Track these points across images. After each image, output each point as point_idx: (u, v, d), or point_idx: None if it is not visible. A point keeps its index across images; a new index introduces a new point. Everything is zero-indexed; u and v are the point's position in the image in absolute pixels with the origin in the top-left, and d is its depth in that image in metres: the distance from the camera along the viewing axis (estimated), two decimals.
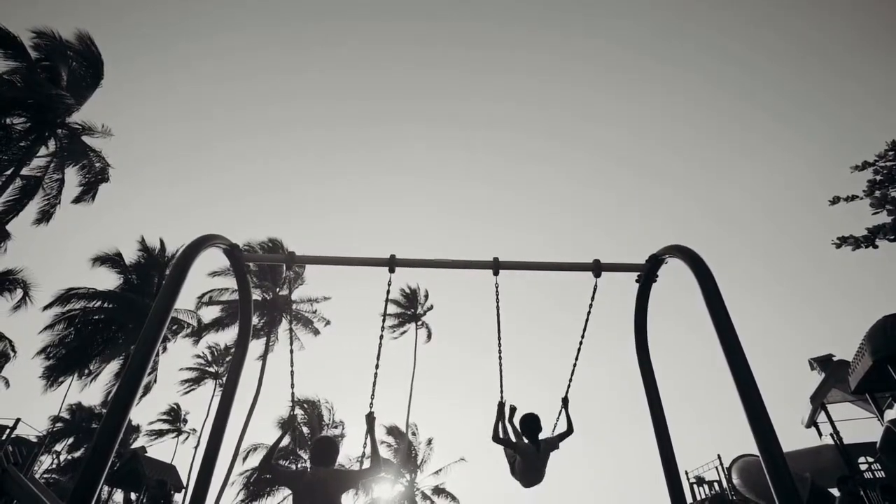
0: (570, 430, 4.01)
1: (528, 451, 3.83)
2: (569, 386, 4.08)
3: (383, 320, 3.74)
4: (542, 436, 3.93)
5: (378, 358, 3.61)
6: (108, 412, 2.44)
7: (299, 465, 3.47)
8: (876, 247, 8.17)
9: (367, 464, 3.46)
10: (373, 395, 3.57)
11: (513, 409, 4.09)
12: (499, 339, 4.00)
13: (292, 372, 3.76)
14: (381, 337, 3.67)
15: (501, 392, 4.03)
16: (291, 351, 3.75)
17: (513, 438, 4.00)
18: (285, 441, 26.84)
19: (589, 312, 3.75)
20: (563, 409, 4.07)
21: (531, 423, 3.94)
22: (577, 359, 3.98)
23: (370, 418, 3.49)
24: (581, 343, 3.93)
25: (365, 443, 3.60)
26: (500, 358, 4.01)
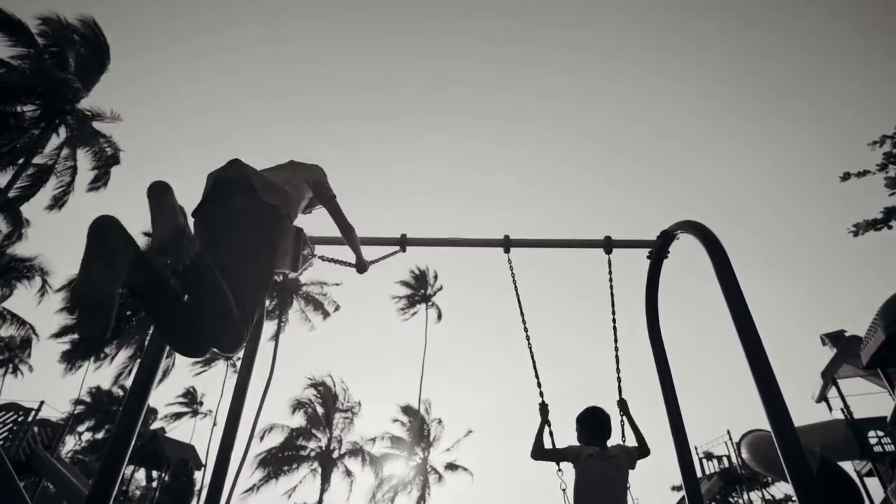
0: (643, 450, 3.02)
1: (591, 454, 2.92)
2: (619, 384, 3.25)
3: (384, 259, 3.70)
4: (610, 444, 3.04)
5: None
6: (129, 394, 2.52)
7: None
8: (891, 227, 8.01)
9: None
10: (375, 261, 3.50)
11: (546, 409, 3.18)
12: (523, 322, 3.43)
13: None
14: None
15: (541, 392, 3.21)
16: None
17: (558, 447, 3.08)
18: (299, 422, 27.42)
19: (612, 290, 3.54)
20: (625, 418, 3.13)
21: (598, 420, 3.07)
22: (616, 346, 3.37)
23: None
24: (615, 327, 3.45)
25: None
26: (529, 348, 3.39)
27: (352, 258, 3.26)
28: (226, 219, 2.10)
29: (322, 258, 3.60)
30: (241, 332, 1.87)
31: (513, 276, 3.57)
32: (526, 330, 3.42)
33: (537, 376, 3.26)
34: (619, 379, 3.28)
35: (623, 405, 3.19)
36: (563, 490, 2.93)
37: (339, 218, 2.83)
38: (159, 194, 1.63)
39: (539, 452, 3.06)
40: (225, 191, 2.15)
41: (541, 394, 3.20)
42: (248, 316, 1.91)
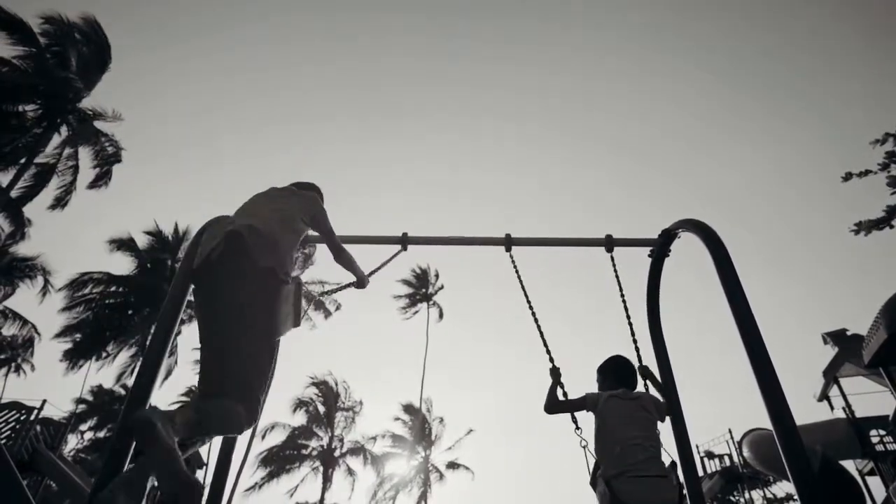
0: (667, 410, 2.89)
1: (613, 395, 2.73)
2: (638, 352, 3.18)
3: (376, 269, 3.59)
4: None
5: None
6: (132, 393, 2.52)
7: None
8: (892, 227, 7.96)
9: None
10: (373, 272, 3.41)
11: (558, 372, 3.08)
12: (529, 305, 3.38)
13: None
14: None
15: (550, 357, 3.16)
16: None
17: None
18: (300, 421, 27.45)
19: (618, 278, 3.51)
20: (650, 382, 3.04)
21: (620, 365, 2.93)
22: (629, 320, 3.29)
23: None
24: (626, 306, 3.41)
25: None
26: (537, 324, 3.33)
27: (347, 275, 3.19)
28: (219, 294, 2.00)
29: (323, 294, 3.66)
30: (254, 414, 1.88)
31: (517, 274, 3.54)
32: (535, 318, 3.35)
33: (545, 344, 3.21)
34: (636, 348, 3.21)
35: (646, 371, 3.08)
36: (584, 447, 2.75)
37: (337, 250, 2.85)
38: (148, 442, 1.48)
39: (553, 405, 2.90)
40: (216, 262, 2.04)
41: (551, 359, 3.12)
42: (255, 404, 1.88)
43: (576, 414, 2.87)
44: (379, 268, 3.53)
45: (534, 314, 3.34)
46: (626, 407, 2.66)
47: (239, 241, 2.04)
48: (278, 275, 2.08)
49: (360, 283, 3.19)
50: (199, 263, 2.11)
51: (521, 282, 3.49)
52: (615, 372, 2.89)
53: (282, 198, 2.53)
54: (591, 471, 2.69)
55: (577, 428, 2.82)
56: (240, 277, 1.98)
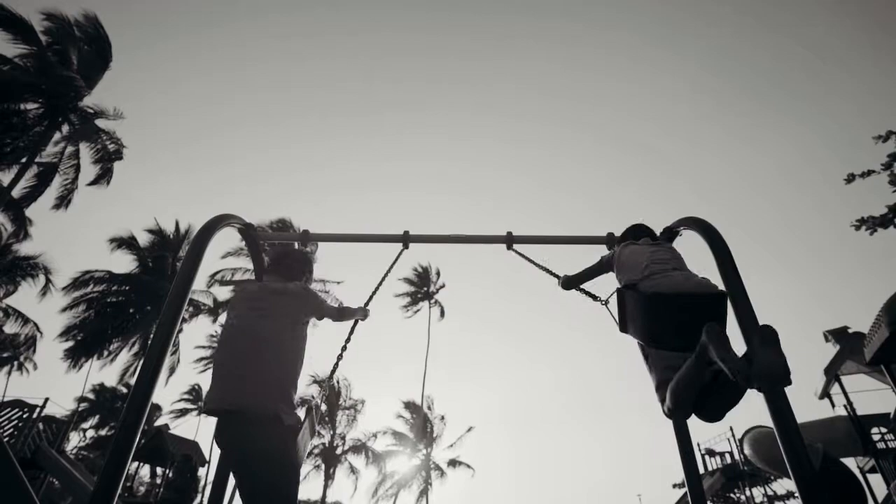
0: None
1: (631, 243, 2.65)
2: None
3: (389, 271, 3.54)
4: None
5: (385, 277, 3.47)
6: (134, 391, 2.52)
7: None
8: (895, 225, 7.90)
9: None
10: (371, 298, 3.31)
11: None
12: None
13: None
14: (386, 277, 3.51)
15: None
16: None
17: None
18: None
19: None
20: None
21: (640, 226, 2.90)
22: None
23: (364, 311, 3.07)
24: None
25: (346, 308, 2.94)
26: None
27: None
28: (234, 454, 2.03)
29: (323, 401, 3.62)
30: None
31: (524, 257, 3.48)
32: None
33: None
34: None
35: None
36: (606, 303, 2.62)
37: (339, 317, 2.75)
38: None
39: (569, 281, 2.79)
40: (222, 425, 2.04)
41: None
42: None
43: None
44: (386, 274, 3.52)
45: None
46: (646, 247, 2.57)
47: (236, 427, 2.00)
48: (284, 423, 2.03)
49: (364, 316, 3.11)
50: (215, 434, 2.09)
51: (533, 264, 3.37)
52: (633, 231, 2.80)
53: (263, 316, 2.22)
54: (617, 321, 2.49)
55: (605, 302, 2.72)
56: (245, 436, 1.97)
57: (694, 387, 1.98)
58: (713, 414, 2.12)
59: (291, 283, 2.43)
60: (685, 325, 2.01)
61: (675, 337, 2.09)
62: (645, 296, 2.21)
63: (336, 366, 3.04)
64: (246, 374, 2.05)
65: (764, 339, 1.76)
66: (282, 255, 2.61)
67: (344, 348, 3.07)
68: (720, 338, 1.79)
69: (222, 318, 27.61)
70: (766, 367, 1.70)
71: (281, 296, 2.29)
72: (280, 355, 2.16)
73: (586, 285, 2.94)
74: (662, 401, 2.14)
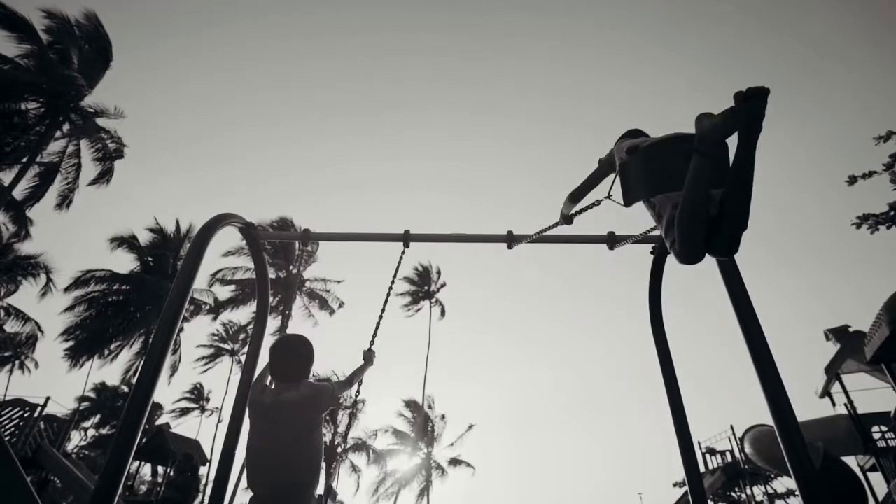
0: None
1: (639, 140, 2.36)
2: None
3: (393, 279, 3.53)
4: None
5: (385, 304, 3.37)
6: (135, 390, 2.53)
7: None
8: None
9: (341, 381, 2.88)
10: (374, 335, 3.20)
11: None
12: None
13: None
14: (391, 288, 3.46)
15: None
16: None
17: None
18: None
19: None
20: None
21: (637, 130, 2.59)
22: None
23: (368, 353, 3.04)
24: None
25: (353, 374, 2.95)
26: None
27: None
28: None
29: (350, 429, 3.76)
30: None
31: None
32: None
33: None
34: None
35: None
36: (609, 196, 2.45)
37: (352, 385, 2.93)
38: None
39: (570, 202, 2.66)
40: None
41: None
42: None
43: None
44: (393, 279, 3.52)
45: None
46: (644, 139, 2.39)
47: None
48: (314, 495, 2.43)
49: (371, 361, 3.08)
50: None
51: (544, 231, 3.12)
52: (629, 133, 2.62)
53: (288, 422, 2.44)
54: (623, 196, 2.35)
55: (598, 201, 2.57)
56: None
57: (698, 216, 1.85)
58: (726, 243, 1.92)
59: (307, 388, 2.54)
60: (687, 156, 1.90)
61: (678, 174, 1.98)
62: (645, 147, 2.15)
63: (351, 423, 3.19)
64: (286, 465, 2.37)
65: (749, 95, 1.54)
66: (288, 362, 2.60)
67: (355, 403, 3.40)
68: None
69: (223, 316, 27.68)
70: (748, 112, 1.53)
71: (303, 407, 2.49)
72: (311, 445, 2.46)
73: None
74: (672, 242, 2.03)
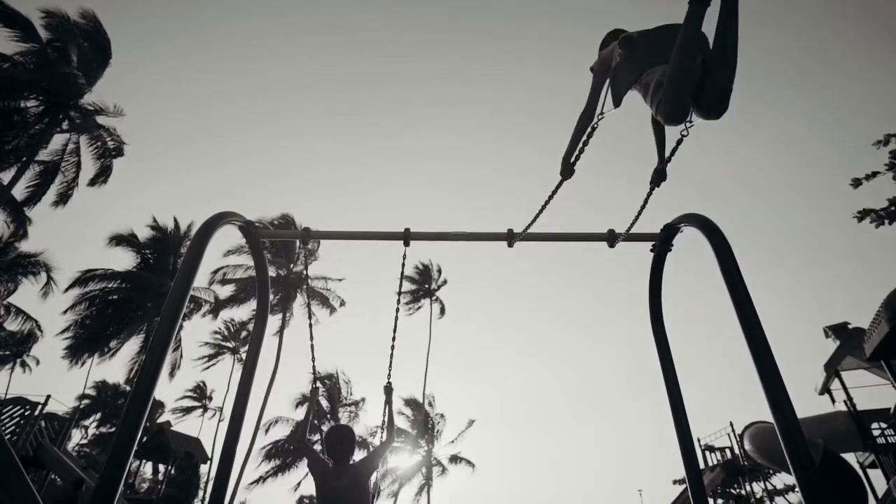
0: None
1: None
2: None
3: (399, 293, 3.75)
4: None
5: (395, 331, 3.64)
6: (135, 388, 2.53)
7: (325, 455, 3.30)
8: None
9: (382, 437, 3.47)
10: (390, 366, 3.59)
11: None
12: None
13: (312, 346, 3.83)
14: (398, 310, 3.70)
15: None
16: (311, 325, 3.83)
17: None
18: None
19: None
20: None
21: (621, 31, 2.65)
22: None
23: (388, 390, 3.53)
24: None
25: (384, 412, 3.53)
26: None
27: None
28: None
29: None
30: None
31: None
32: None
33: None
34: None
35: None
36: (601, 115, 2.46)
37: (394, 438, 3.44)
38: None
39: (583, 118, 2.61)
40: None
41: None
42: None
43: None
44: (401, 283, 3.61)
45: None
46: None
47: None
48: None
49: (391, 394, 3.60)
50: None
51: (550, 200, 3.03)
52: (611, 34, 2.67)
53: (355, 489, 3.08)
54: (613, 94, 2.42)
55: (598, 119, 2.54)
56: None
57: (687, 72, 1.94)
58: (717, 97, 2.00)
59: (360, 464, 3.20)
60: (673, 36, 2.03)
61: (665, 51, 2.10)
62: (637, 34, 2.29)
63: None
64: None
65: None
66: (343, 447, 3.25)
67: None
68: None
69: (224, 315, 27.70)
70: None
71: (363, 477, 3.14)
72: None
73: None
74: (658, 103, 2.11)
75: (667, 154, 2.70)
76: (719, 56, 1.92)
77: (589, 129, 2.55)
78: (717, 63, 1.93)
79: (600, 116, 2.50)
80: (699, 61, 1.99)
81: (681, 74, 1.92)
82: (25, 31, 16.63)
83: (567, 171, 2.75)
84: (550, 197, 2.97)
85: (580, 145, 2.61)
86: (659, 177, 2.87)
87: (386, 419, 3.45)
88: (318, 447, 3.47)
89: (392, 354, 3.62)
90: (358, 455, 3.35)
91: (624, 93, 2.37)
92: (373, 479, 3.21)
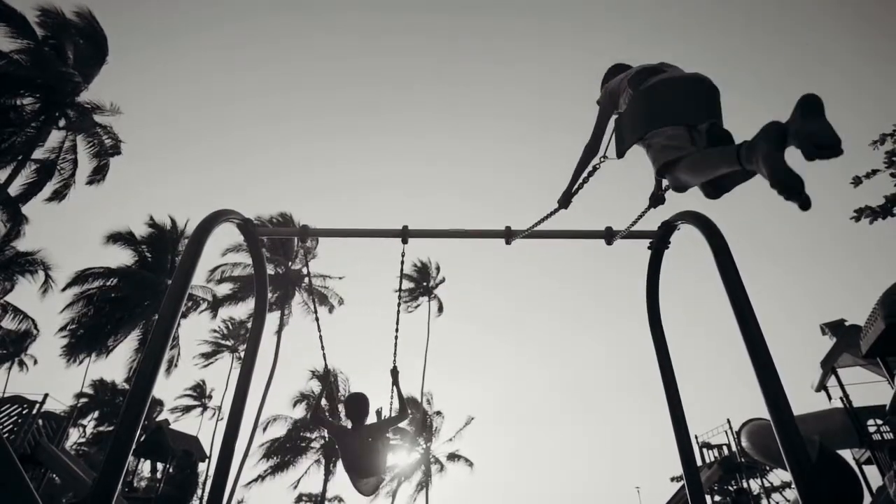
0: None
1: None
2: None
3: (399, 290, 3.87)
4: None
5: (397, 322, 4.06)
6: (133, 386, 2.53)
7: (342, 421, 4.00)
8: (894, 215, 7.91)
9: (394, 413, 4.10)
10: (395, 353, 4.06)
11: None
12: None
13: (321, 336, 4.21)
14: (399, 304, 3.87)
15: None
16: (317, 318, 3.88)
17: None
18: (302, 413, 27.58)
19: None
20: None
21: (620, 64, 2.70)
22: None
23: (394, 372, 4.03)
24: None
25: (392, 395, 4.07)
26: None
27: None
28: None
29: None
30: None
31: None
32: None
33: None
34: None
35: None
36: (604, 158, 2.48)
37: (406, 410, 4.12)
38: None
39: (587, 152, 2.63)
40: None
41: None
42: None
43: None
44: (400, 280, 3.88)
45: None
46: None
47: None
48: None
49: (396, 374, 4.13)
50: None
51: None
52: (615, 68, 2.63)
53: (367, 445, 3.72)
54: (616, 151, 2.39)
55: (597, 165, 2.57)
56: None
57: (718, 172, 1.93)
58: (723, 191, 2.06)
59: (373, 426, 3.90)
60: (688, 97, 1.97)
61: (675, 110, 2.01)
62: (645, 88, 2.15)
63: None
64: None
65: (805, 108, 1.47)
66: (358, 410, 3.91)
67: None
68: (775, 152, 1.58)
69: (222, 313, 27.66)
70: (812, 137, 1.45)
71: (374, 436, 3.80)
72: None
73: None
74: (672, 177, 2.11)
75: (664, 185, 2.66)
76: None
77: (590, 168, 2.57)
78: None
79: (602, 159, 2.51)
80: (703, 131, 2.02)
81: (701, 177, 1.99)
82: (21, 28, 16.55)
83: (565, 202, 2.82)
84: (544, 218, 3.06)
85: (580, 181, 2.64)
86: (657, 201, 2.85)
87: (396, 399, 4.01)
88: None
89: (396, 343, 4.05)
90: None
91: (627, 148, 2.31)
92: (384, 441, 3.80)
